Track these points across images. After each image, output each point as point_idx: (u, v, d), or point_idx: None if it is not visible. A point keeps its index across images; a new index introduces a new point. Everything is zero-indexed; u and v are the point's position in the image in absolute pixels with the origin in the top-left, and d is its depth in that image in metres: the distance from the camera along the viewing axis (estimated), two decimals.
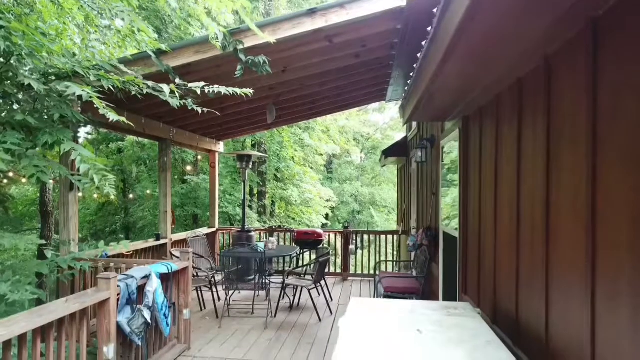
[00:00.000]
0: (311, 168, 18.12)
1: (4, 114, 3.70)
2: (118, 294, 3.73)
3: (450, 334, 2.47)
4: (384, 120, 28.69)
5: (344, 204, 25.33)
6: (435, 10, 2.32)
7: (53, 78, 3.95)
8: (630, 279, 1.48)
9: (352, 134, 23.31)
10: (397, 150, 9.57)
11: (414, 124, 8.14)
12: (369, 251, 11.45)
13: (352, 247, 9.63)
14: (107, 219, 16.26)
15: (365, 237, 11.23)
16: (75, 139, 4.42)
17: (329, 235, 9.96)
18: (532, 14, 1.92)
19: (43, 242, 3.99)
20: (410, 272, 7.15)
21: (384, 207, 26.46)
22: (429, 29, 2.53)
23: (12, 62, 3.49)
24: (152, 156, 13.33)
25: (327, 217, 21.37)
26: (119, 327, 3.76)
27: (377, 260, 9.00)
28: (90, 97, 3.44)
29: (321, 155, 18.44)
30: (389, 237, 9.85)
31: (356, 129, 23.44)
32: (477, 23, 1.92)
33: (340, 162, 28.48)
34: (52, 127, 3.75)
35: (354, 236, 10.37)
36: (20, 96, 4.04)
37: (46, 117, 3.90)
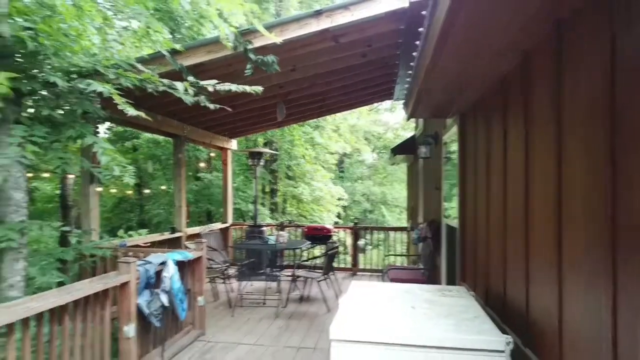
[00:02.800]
0: (322, 167, 18.33)
1: (31, 110, 3.99)
2: (137, 278, 3.99)
3: (441, 310, 2.67)
4: (395, 119, 28.78)
5: (355, 202, 25.44)
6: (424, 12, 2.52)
7: (75, 76, 4.22)
8: (585, 247, 1.68)
9: (362, 133, 23.45)
10: (406, 148, 9.75)
11: (421, 121, 8.32)
12: (378, 248, 11.66)
13: (361, 242, 9.82)
14: (123, 215, 16.62)
15: (376, 235, 11.42)
16: (95, 134, 4.69)
17: (339, 232, 10.17)
18: (506, 13, 2.12)
19: (68, 229, 4.27)
20: (417, 265, 7.34)
21: (395, 206, 26.51)
22: (420, 29, 2.74)
23: (38, 60, 3.77)
24: (166, 153, 13.67)
25: (338, 215, 21.56)
26: (138, 310, 4.02)
27: (386, 255, 9.19)
28: (111, 94, 3.71)
29: (332, 153, 18.63)
30: (398, 234, 10.04)
31: (366, 128, 23.59)
32: (459, 20, 2.13)
33: (351, 161, 28.62)
34: (75, 122, 4.03)
35: (363, 232, 10.58)
36: (44, 93, 4.32)
37: (70, 112, 4.19)
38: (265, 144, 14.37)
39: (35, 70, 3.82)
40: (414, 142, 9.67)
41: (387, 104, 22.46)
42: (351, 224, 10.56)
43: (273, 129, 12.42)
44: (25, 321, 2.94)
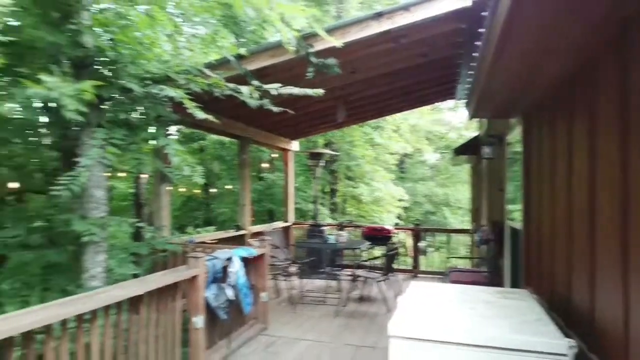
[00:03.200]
0: (382, 167, 18.24)
1: (110, 114, 4.31)
2: (205, 272, 4.21)
3: (500, 311, 2.63)
4: (458, 118, 28.06)
5: (416, 204, 25.06)
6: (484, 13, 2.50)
7: (149, 82, 4.52)
8: None
9: (423, 132, 23.07)
10: (469, 148, 9.52)
11: (484, 121, 8.11)
12: (440, 251, 11.46)
13: (422, 244, 9.71)
14: (190, 213, 17.39)
15: (437, 237, 11.24)
16: (167, 136, 4.99)
17: (399, 233, 10.12)
18: (572, 13, 2.07)
19: (142, 225, 4.60)
20: (480, 268, 7.17)
21: (458, 208, 25.85)
22: (480, 30, 2.71)
23: (118, 68, 4.08)
24: (231, 154, 14.17)
25: (399, 216, 21.34)
26: (206, 302, 4.24)
27: (449, 257, 9.03)
28: (182, 98, 3.95)
29: (392, 154, 18.48)
30: (461, 236, 9.83)
31: (428, 127, 23.18)
32: (521, 22, 2.10)
33: (413, 161, 28.23)
34: (149, 125, 4.33)
35: (424, 234, 10.46)
36: (121, 98, 4.65)
37: (144, 116, 4.49)
38: (325, 145, 14.53)
39: (114, 78, 4.14)
40: (477, 142, 9.42)
41: (449, 103, 21.97)
42: (412, 225, 10.46)
43: (333, 130, 12.54)
44: (106, 309, 3.21)
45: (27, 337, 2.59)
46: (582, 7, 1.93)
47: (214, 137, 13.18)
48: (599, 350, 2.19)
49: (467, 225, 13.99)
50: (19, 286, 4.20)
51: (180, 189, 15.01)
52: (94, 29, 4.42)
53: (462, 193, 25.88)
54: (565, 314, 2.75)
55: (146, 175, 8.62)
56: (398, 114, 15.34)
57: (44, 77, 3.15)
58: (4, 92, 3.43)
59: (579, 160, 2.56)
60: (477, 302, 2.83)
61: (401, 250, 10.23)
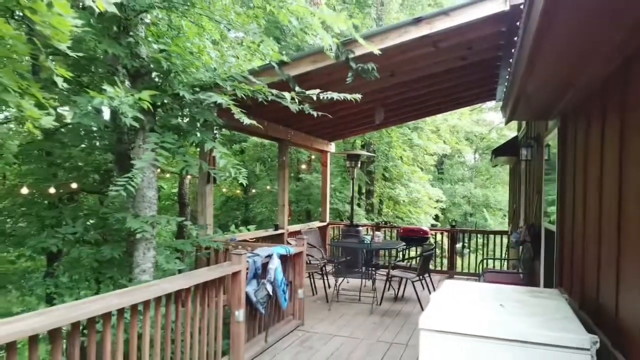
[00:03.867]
0: (421, 169, 18.18)
1: (162, 119, 4.62)
2: (247, 268, 4.46)
3: (530, 309, 2.73)
4: (499, 119, 27.54)
5: (455, 205, 24.80)
6: (518, 23, 2.60)
7: (197, 89, 4.80)
8: None
9: (463, 133, 22.79)
10: (507, 150, 9.44)
11: (524, 122, 8.06)
12: (478, 252, 11.38)
13: (458, 245, 9.71)
14: (230, 213, 17.88)
15: (477, 239, 11.18)
16: (213, 140, 5.27)
17: (436, 234, 10.15)
18: (607, 20, 2.15)
19: (189, 223, 4.90)
20: (517, 270, 7.15)
21: (498, 209, 25.41)
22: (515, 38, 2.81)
23: (170, 77, 4.38)
24: (270, 156, 14.51)
25: (436, 218, 21.19)
26: (246, 297, 4.49)
27: (484, 259, 9.00)
28: (228, 105, 4.20)
29: (431, 155, 18.39)
30: (498, 237, 9.77)
31: (468, 128, 22.88)
32: (553, 29, 2.20)
33: (452, 162, 27.92)
34: (197, 129, 4.61)
35: (461, 235, 10.45)
36: (172, 104, 4.96)
37: (192, 121, 4.78)
38: (362, 146, 14.65)
39: (167, 85, 4.44)
40: (516, 144, 9.34)
41: (491, 103, 21.63)
42: (448, 227, 10.46)
43: (371, 132, 12.65)
44: (157, 300, 3.49)
45: (92, 323, 2.88)
46: (612, 11, 2.02)
47: (255, 139, 13.53)
48: (621, 347, 2.28)
49: (506, 227, 13.81)
50: (77, 278, 4.57)
51: (223, 190, 15.47)
52: (148, 39, 4.75)
53: (502, 194, 25.43)
54: (593, 313, 2.83)
55: (189, 176, 9.01)
56: (438, 115, 15.28)
57: (106, 87, 3.45)
58: (70, 100, 3.74)
59: (609, 163, 2.63)
60: (507, 300, 2.94)
61: (438, 251, 10.28)
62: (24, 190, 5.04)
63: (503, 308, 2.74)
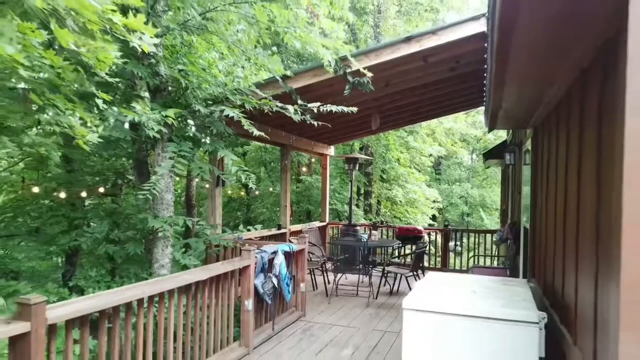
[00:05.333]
0: (418, 170, 18.70)
1: (179, 130, 5.14)
2: (255, 263, 4.99)
3: (497, 294, 3.27)
4: None
5: (452, 205, 25.33)
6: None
7: (210, 102, 5.33)
8: (589, 251, 2.24)
9: (459, 135, 23.31)
10: (496, 153, 9.98)
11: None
12: (470, 251, 11.91)
13: (451, 244, 10.25)
14: (232, 214, 18.37)
15: (473, 238, 11.72)
16: (224, 148, 5.79)
17: (430, 233, 10.69)
18: (553, 58, 2.68)
19: (204, 222, 5.43)
20: (503, 265, 7.69)
21: (495, 209, 25.90)
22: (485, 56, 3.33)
23: (187, 93, 4.91)
24: (272, 158, 15.04)
25: (434, 218, 21.71)
26: (255, 289, 5.02)
27: (474, 256, 9.55)
28: (239, 118, 4.73)
29: (428, 156, 18.92)
30: (489, 236, 10.32)
31: (463, 130, 23.40)
32: (509, 64, 2.73)
33: (449, 163, 28.44)
34: (210, 139, 5.14)
35: (454, 234, 11.00)
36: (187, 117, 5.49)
37: (205, 131, 5.31)
38: (361, 149, 15.17)
39: (184, 100, 4.97)
40: (504, 148, 9.88)
41: None
42: (441, 226, 11.00)
43: (368, 136, 13.19)
44: (179, 290, 4.02)
45: (129, 307, 3.41)
46: (554, 54, 2.55)
47: (258, 143, 14.03)
48: (565, 323, 2.81)
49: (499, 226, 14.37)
50: (103, 273, 5.10)
51: (228, 192, 15.98)
52: (165, 56, 5.27)
53: (498, 195, 25.91)
54: (550, 297, 3.38)
55: (197, 179, 9.53)
56: (432, 120, 15.79)
57: (135, 104, 3.99)
58: (104, 116, 4.26)
59: (560, 171, 3.16)
60: (480, 288, 3.48)
61: (433, 250, 10.83)
62: (62, 195, 5.58)
63: (475, 293, 3.28)
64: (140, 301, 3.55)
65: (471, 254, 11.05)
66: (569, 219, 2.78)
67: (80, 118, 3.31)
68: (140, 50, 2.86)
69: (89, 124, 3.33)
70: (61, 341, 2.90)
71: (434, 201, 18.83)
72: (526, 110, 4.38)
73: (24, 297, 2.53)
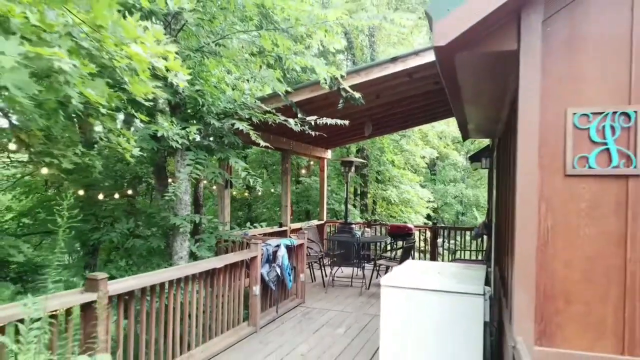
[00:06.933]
0: (414, 171, 19.51)
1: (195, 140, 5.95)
2: (262, 255, 5.81)
3: (457, 276, 4.10)
4: None
5: (447, 205, 26.14)
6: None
7: (222, 116, 6.14)
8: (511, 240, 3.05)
9: (451, 137, 24.15)
10: (479, 157, 10.82)
11: None
12: (462, 247, 12.75)
13: (439, 240, 11.10)
14: (233, 213, 19.15)
15: (458, 235, 12.57)
16: (235, 156, 6.59)
17: (420, 230, 11.53)
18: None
19: (217, 220, 6.25)
20: (483, 259, 8.53)
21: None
22: None
23: (203, 109, 5.73)
24: (272, 161, 15.85)
25: (429, 217, 22.54)
26: (262, 277, 5.84)
27: (460, 250, 10.40)
28: (248, 131, 5.54)
29: (422, 158, 19.73)
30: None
31: (455, 133, 24.24)
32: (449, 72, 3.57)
33: (444, 164, 29.24)
34: (222, 148, 5.96)
35: (442, 232, 11.85)
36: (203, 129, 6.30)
37: (217, 141, 6.13)
38: (357, 151, 15.99)
39: (200, 115, 5.80)
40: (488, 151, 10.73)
41: None
42: (430, 224, 11.84)
43: (363, 141, 14.02)
44: (200, 274, 4.83)
45: (162, 287, 4.22)
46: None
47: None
48: (505, 295, 3.64)
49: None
50: (131, 263, 5.92)
51: (233, 193, 16.79)
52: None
53: None
54: (501, 279, 4.20)
55: (204, 181, 10.35)
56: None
57: (160, 119, 4.81)
58: (130, 129, 5.09)
59: (501, 177, 3.99)
60: (446, 272, 4.30)
61: (422, 245, 11.68)
62: (100, 196, 6.42)
63: (439, 274, 4.10)
64: (170, 282, 4.36)
65: (460, 249, 11.90)
66: (506, 216, 3.60)
67: (123, 135, 4.13)
68: (176, 84, 3.68)
69: (130, 142, 4.15)
70: (114, 312, 3.72)
71: (428, 201, 19.64)
72: (490, 124, 5.22)
73: (92, 274, 3.35)
